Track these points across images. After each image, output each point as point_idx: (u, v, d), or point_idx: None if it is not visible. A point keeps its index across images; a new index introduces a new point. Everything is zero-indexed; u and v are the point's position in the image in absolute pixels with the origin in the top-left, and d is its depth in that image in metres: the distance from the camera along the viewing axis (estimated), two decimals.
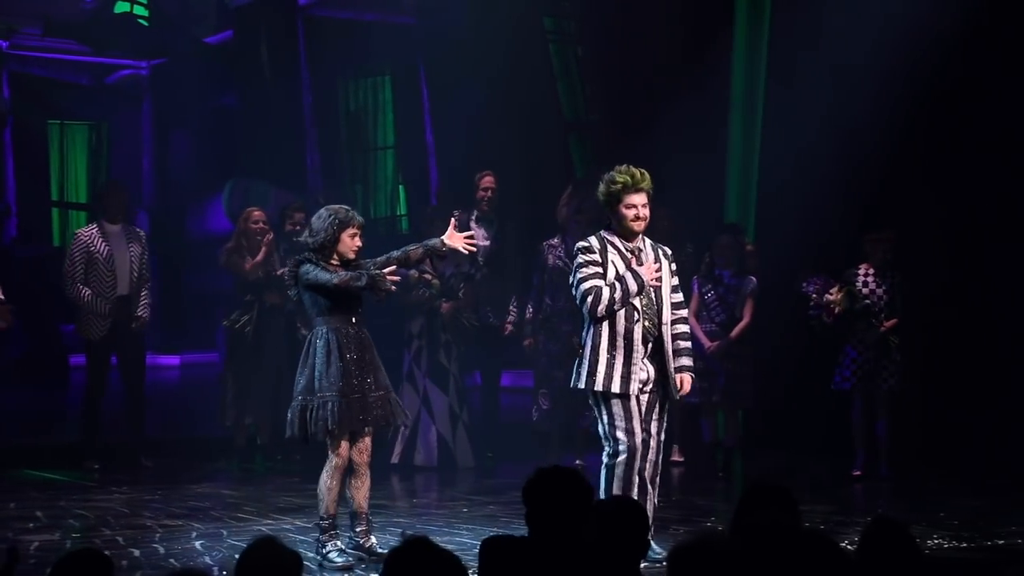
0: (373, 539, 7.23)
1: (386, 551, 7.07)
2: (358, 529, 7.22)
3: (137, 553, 7.32)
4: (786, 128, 10.99)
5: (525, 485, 4.46)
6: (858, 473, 9.91)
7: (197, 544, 7.59)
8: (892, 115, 10.35)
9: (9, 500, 8.89)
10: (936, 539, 7.59)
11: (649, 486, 7.15)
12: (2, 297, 9.73)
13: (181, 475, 10.02)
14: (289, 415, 7.17)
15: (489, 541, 4.34)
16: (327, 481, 7.15)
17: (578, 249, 7.27)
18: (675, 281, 7.33)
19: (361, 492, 7.23)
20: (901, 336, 9.95)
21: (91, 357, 10.32)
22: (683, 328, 7.31)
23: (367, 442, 7.23)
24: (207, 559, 7.23)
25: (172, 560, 7.19)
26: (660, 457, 7.25)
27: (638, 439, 7.08)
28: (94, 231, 10.27)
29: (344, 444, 7.12)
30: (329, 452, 7.15)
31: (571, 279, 7.24)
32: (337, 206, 7.35)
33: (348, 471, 7.19)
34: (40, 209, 17.81)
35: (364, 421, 7.14)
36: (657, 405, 7.20)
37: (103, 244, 10.16)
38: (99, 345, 10.19)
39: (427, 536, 3.98)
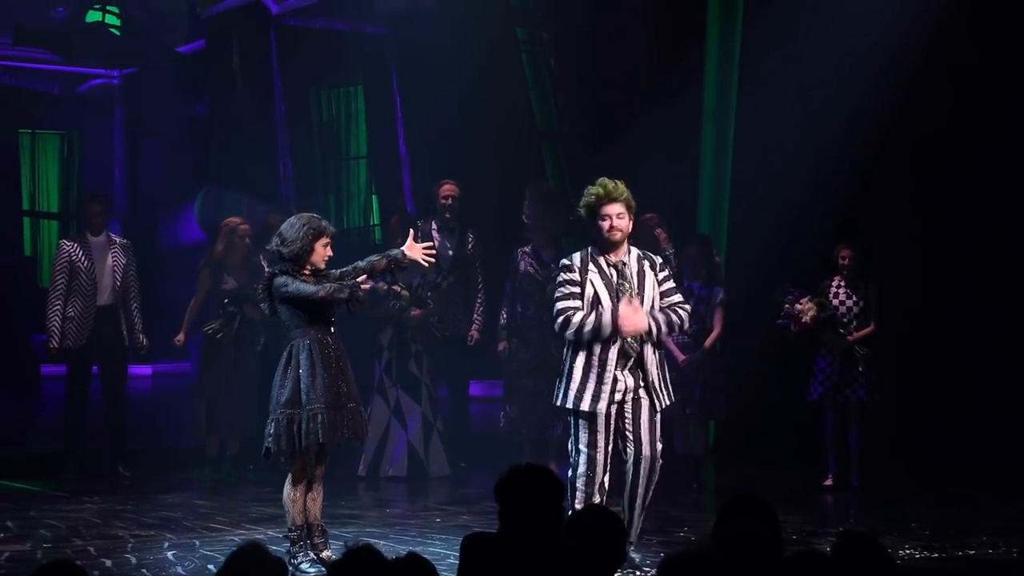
0: (330, 551, 7.24)
1: None
2: (316, 541, 7.22)
3: (109, 563, 7.29)
4: (759, 139, 11.03)
5: (497, 483, 4.47)
6: (829, 483, 9.95)
7: (169, 554, 7.57)
8: (865, 126, 10.41)
9: None
10: (908, 549, 7.63)
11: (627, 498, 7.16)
12: None
13: (153, 485, 9.99)
14: (271, 428, 7.10)
15: (470, 538, 4.37)
16: (290, 493, 7.16)
17: (560, 266, 7.29)
18: (669, 284, 7.33)
19: (316, 504, 7.24)
20: (874, 346, 10.00)
21: (72, 367, 10.31)
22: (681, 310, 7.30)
23: (328, 454, 7.23)
24: (179, 569, 7.21)
25: (144, 570, 7.17)
26: (657, 465, 7.24)
27: (599, 454, 7.11)
28: (76, 243, 10.31)
29: (307, 458, 7.11)
30: (291, 465, 7.15)
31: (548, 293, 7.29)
32: (308, 215, 7.33)
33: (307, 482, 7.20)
34: (11, 219, 17.75)
35: (343, 434, 7.13)
36: (644, 413, 7.20)
37: (84, 256, 10.18)
38: (80, 355, 10.18)
39: (370, 544, 4.01)
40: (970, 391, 10.26)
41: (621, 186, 7.36)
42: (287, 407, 7.06)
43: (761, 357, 10.85)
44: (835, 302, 9.98)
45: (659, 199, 11.06)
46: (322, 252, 7.18)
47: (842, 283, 10.03)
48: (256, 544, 4.03)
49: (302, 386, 7.04)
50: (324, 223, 7.26)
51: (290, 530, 7.18)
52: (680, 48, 11.63)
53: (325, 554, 7.19)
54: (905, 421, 10.39)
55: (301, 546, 7.14)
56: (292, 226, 7.21)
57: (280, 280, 7.11)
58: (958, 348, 10.34)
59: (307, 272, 7.16)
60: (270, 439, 7.09)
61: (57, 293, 10.17)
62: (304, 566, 7.06)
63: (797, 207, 10.66)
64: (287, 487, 7.17)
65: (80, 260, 10.19)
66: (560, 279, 7.20)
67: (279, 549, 7.42)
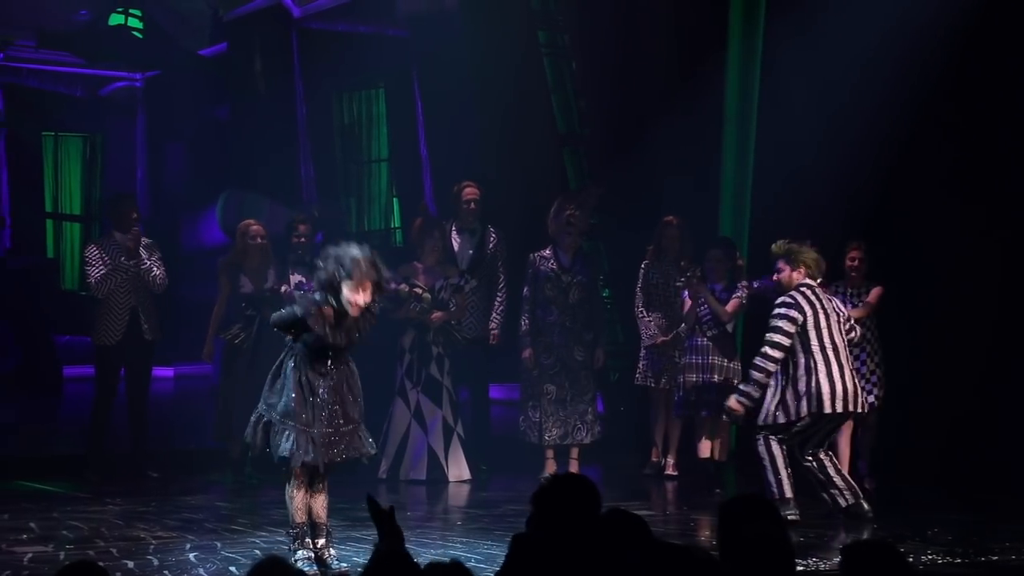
0: (332, 551, 7.26)
1: (345, 564, 7.12)
2: (318, 541, 7.24)
3: (131, 565, 7.31)
4: (780, 143, 11.02)
5: (537, 491, 4.49)
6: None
7: (191, 556, 7.59)
8: (886, 131, 10.39)
9: (2, 511, 8.89)
10: (929, 555, 7.60)
11: None
12: None
13: (175, 487, 10.02)
14: (252, 419, 7.19)
15: (519, 537, 4.39)
16: (290, 491, 7.21)
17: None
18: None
19: (318, 503, 7.26)
20: (888, 349, 9.97)
21: (102, 366, 10.34)
22: None
23: (326, 470, 7.25)
24: (201, 571, 7.22)
25: (166, 572, 7.18)
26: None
27: None
28: (104, 242, 10.34)
29: (303, 468, 7.15)
30: (291, 471, 7.19)
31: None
32: (366, 260, 7.01)
33: (309, 483, 7.22)
34: (34, 221, 17.82)
35: (323, 455, 7.10)
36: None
37: (116, 254, 10.22)
38: (112, 354, 10.22)
39: (282, 558, 4.05)
40: (992, 394, 10.22)
41: (779, 245, 8.78)
42: (268, 411, 7.12)
43: None
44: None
45: (681, 202, 11.08)
46: (350, 296, 6.95)
47: (848, 288, 9.99)
48: (277, 558, 4.04)
49: (283, 402, 7.06)
50: (359, 267, 6.96)
51: (291, 528, 7.24)
52: (702, 51, 11.63)
53: (326, 555, 7.20)
54: (925, 424, 10.35)
55: (300, 544, 7.17)
56: (334, 254, 7.04)
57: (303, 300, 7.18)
58: (981, 350, 10.30)
59: (332, 303, 7.02)
60: (252, 436, 7.16)
61: (99, 277, 10.17)
62: (302, 563, 7.07)
63: (819, 209, 10.63)
64: (288, 486, 7.23)
65: (113, 259, 10.22)
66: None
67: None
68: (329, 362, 7.11)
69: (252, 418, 7.24)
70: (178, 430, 12.37)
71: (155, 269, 10.29)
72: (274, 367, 7.25)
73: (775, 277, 8.87)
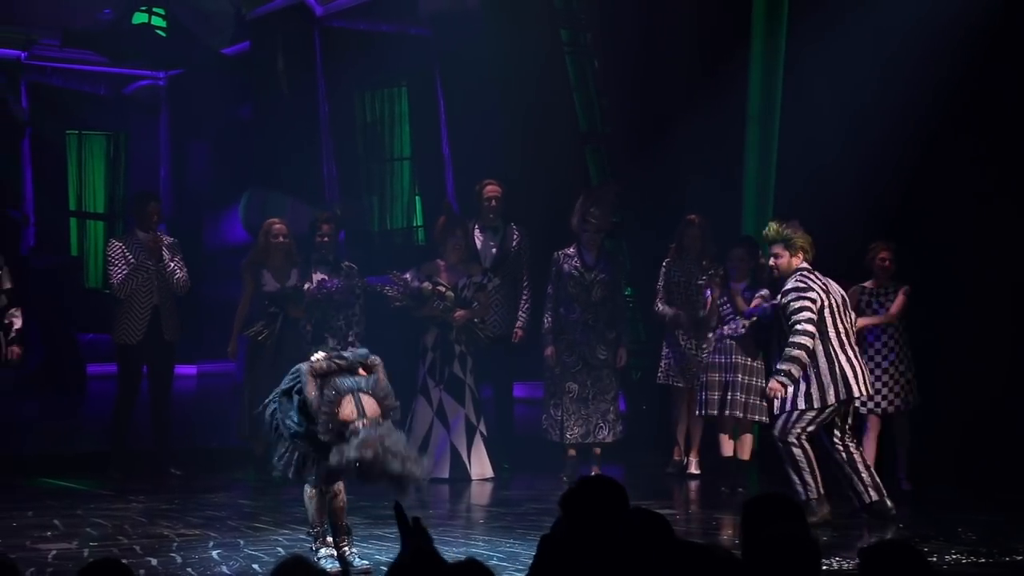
0: (354, 549, 7.28)
1: (366, 563, 7.13)
2: (339, 540, 7.25)
3: (155, 562, 7.34)
4: (803, 142, 10.98)
5: (565, 494, 4.49)
6: None
7: (214, 554, 7.61)
8: (909, 130, 10.34)
9: (27, 508, 8.93)
10: (954, 554, 7.58)
11: None
12: (19, 325, 9.78)
13: (198, 485, 10.04)
14: (268, 410, 7.21)
15: (547, 538, 4.39)
16: (308, 491, 7.24)
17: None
18: None
19: (336, 503, 7.28)
20: (916, 349, 9.93)
21: (124, 365, 10.37)
22: None
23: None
24: (224, 568, 7.24)
25: (190, 569, 7.21)
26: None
27: None
28: (127, 239, 10.37)
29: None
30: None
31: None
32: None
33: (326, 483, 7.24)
34: (58, 219, 17.87)
35: (326, 480, 7.12)
36: None
37: (137, 251, 10.24)
38: (133, 353, 10.24)
39: (305, 557, 4.05)
40: (1017, 393, 10.17)
41: (771, 229, 8.75)
42: (282, 416, 7.12)
43: None
44: (862, 305, 9.92)
45: (703, 201, 11.05)
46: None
47: (875, 287, 9.96)
48: (300, 557, 4.05)
49: (294, 421, 7.06)
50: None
51: (311, 528, 7.27)
52: (725, 51, 11.60)
53: (347, 555, 7.21)
54: (952, 425, 10.31)
55: (322, 543, 7.20)
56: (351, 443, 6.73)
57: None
58: (1005, 349, 10.26)
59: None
60: (266, 433, 7.26)
61: (120, 276, 10.19)
62: (324, 562, 7.09)
63: (842, 209, 10.60)
64: (305, 487, 7.25)
65: (135, 257, 10.25)
66: None
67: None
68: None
69: (266, 415, 7.21)
70: (201, 428, 12.41)
71: (178, 271, 10.31)
72: (286, 384, 7.21)
73: (772, 262, 8.85)
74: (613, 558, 4.26)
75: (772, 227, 8.81)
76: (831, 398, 8.49)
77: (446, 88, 14.93)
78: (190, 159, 18.49)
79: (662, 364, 10.75)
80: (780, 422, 8.61)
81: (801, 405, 8.52)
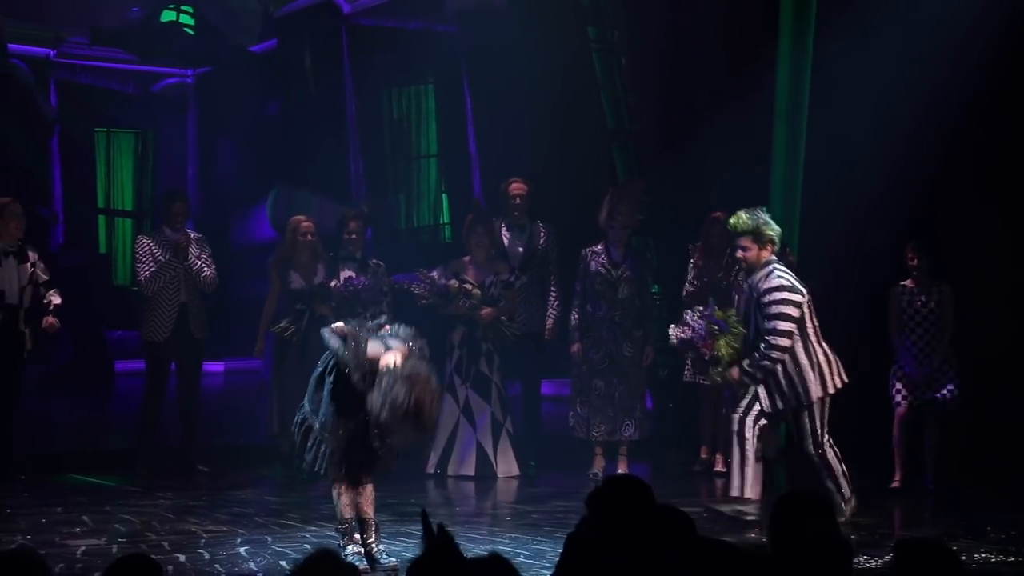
0: (381, 546, 7.28)
1: (393, 560, 7.14)
2: (367, 536, 7.27)
3: (183, 558, 7.36)
4: (830, 140, 10.95)
5: (591, 494, 4.49)
6: (896, 485, 9.85)
7: (242, 550, 7.63)
8: (939, 125, 10.31)
9: (56, 505, 8.97)
10: (983, 553, 7.55)
11: None
12: (58, 301, 9.86)
13: (226, 481, 10.07)
14: (297, 419, 7.28)
15: (574, 537, 4.39)
16: (336, 489, 7.27)
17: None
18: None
19: (364, 499, 7.30)
20: (953, 348, 9.89)
21: (152, 362, 10.41)
22: None
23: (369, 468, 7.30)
24: (252, 565, 7.27)
25: (217, 566, 7.23)
26: None
27: None
28: (155, 236, 10.42)
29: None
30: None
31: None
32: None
33: (354, 480, 7.27)
34: (86, 217, 17.97)
35: (360, 467, 7.15)
36: None
37: (165, 250, 10.28)
38: (161, 350, 10.28)
39: (334, 551, 4.06)
40: None
41: (740, 220, 8.34)
42: (311, 417, 7.18)
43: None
44: (904, 304, 9.88)
45: (730, 198, 11.01)
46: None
47: (913, 286, 9.93)
48: (328, 551, 4.06)
49: (322, 411, 7.11)
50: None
51: (339, 524, 7.29)
52: (752, 47, 11.57)
53: (373, 551, 7.22)
54: (981, 423, 10.27)
55: (349, 539, 7.21)
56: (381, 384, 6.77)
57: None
58: None
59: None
60: (294, 427, 7.28)
61: (148, 274, 10.23)
62: (352, 559, 7.10)
63: (870, 207, 10.57)
64: (333, 483, 7.28)
65: (163, 255, 10.29)
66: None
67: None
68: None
69: (297, 418, 7.29)
70: (228, 425, 12.45)
71: (205, 269, 10.33)
72: (316, 372, 7.26)
73: (740, 255, 8.44)
74: (639, 557, 4.26)
75: (741, 217, 8.38)
76: (815, 394, 8.33)
77: (473, 85, 14.95)
78: (218, 156, 18.56)
79: (688, 362, 10.72)
80: (810, 439, 8.44)
81: (771, 401, 8.35)
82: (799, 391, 8.35)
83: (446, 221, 15.85)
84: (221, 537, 7.98)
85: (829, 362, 8.40)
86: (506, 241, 10.83)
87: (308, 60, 16.28)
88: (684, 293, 10.68)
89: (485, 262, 10.44)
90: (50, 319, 9.79)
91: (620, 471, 9.94)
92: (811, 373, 8.33)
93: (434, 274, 10.33)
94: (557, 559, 4.47)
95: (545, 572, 6.85)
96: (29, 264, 9.82)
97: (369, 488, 7.32)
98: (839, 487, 8.44)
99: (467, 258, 10.49)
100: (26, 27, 16.67)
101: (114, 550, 7.55)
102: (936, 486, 9.76)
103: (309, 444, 7.20)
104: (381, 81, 16.24)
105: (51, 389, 13.83)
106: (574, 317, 10.45)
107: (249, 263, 15.36)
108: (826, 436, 8.48)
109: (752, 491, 8.34)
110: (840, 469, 8.45)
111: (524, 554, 7.52)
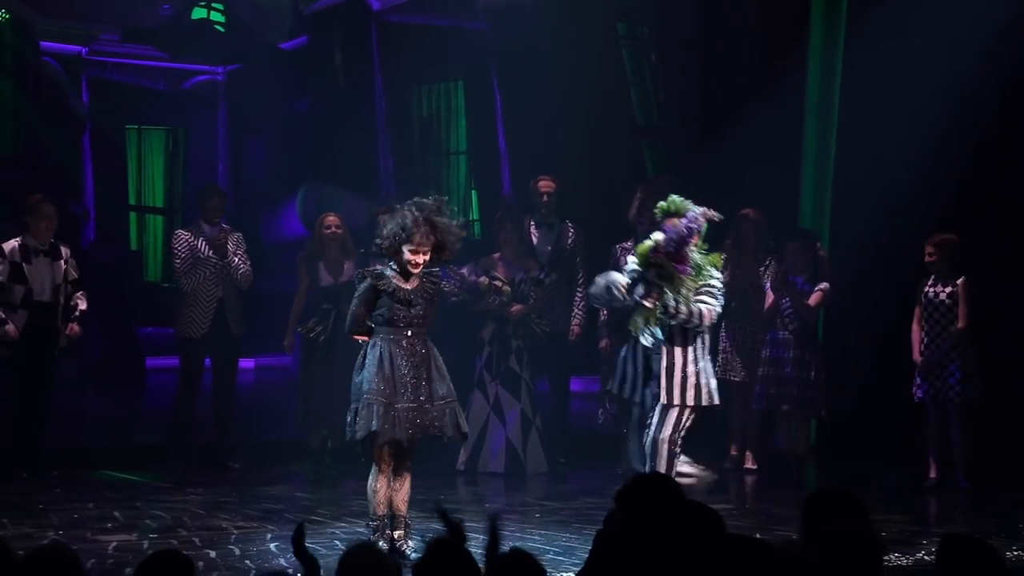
0: (410, 543, 7.29)
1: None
2: (396, 533, 7.28)
3: (213, 554, 7.39)
4: (861, 134, 10.91)
5: (620, 491, 4.49)
6: (931, 482, 9.81)
7: (272, 546, 7.65)
8: (970, 119, 10.26)
9: (88, 500, 9.01)
10: (1015, 551, 7.51)
11: None
12: (84, 307, 9.89)
13: (256, 477, 10.10)
14: (348, 418, 7.29)
15: (603, 534, 4.39)
16: (372, 484, 7.29)
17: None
18: None
19: (399, 495, 7.31)
20: (977, 342, 9.84)
21: (187, 358, 10.44)
22: None
23: (412, 448, 7.32)
24: (282, 561, 7.28)
25: (247, 561, 7.25)
26: None
27: None
28: (193, 231, 10.43)
29: (390, 450, 7.19)
30: (375, 456, 7.26)
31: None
32: (414, 215, 7.25)
33: (391, 474, 7.29)
34: (117, 213, 18.04)
35: (407, 430, 7.16)
36: None
37: (204, 246, 10.30)
38: (197, 346, 10.31)
39: (374, 544, 4.05)
40: None
41: (673, 202, 7.94)
42: (353, 399, 7.24)
43: (864, 353, 10.73)
44: (926, 300, 9.84)
45: (761, 194, 10.99)
46: (409, 257, 7.18)
47: (934, 279, 9.88)
48: (369, 544, 4.07)
49: (363, 378, 7.15)
50: (419, 228, 7.19)
51: (371, 519, 7.31)
52: (783, 44, 11.54)
53: (403, 547, 7.23)
54: (1013, 419, 10.21)
55: (380, 536, 7.23)
56: (388, 223, 7.28)
57: (358, 278, 7.28)
58: None
59: (396, 269, 7.25)
60: (348, 428, 7.28)
61: (187, 271, 10.26)
62: None
63: (901, 201, 10.53)
64: (370, 478, 7.31)
65: (200, 250, 10.32)
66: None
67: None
68: (409, 331, 7.15)
69: (347, 417, 7.28)
70: (258, 421, 12.47)
71: (242, 266, 10.36)
72: (357, 361, 7.32)
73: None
74: (668, 554, 4.26)
75: (674, 200, 7.95)
76: (716, 398, 8.03)
77: (502, 82, 14.95)
78: (248, 154, 18.61)
79: (719, 358, 10.70)
80: (671, 423, 7.95)
81: (690, 401, 7.94)
82: (695, 390, 7.92)
83: (475, 218, 15.85)
84: (251, 533, 8.01)
85: (709, 379, 7.98)
86: (535, 239, 10.83)
87: (338, 57, 16.31)
88: None
89: (515, 259, 10.44)
90: (74, 326, 9.82)
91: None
92: (704, 378, 7.94)
93: (464, 271, 10.34)
94: (586, 556, 4.47)
95: (574, 569, 6.85)
96: (62, 261, 9.86)
97: (406, 484, 7.32)
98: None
99: (497, 255, 10.49)
100: (58, 25, 16.75)
101: (145, 546, 7.59)
102: (968, 483, 9.71)
103: (354, 422, 7.19)
104: (411, 78, 16.26)
105: (82, 385, 13.89)
106: (603, 313, 10.43)
107: (279, 260, 15.38)
108: (679, 439, 8.00)
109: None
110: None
111: (553, 551, 7.52)
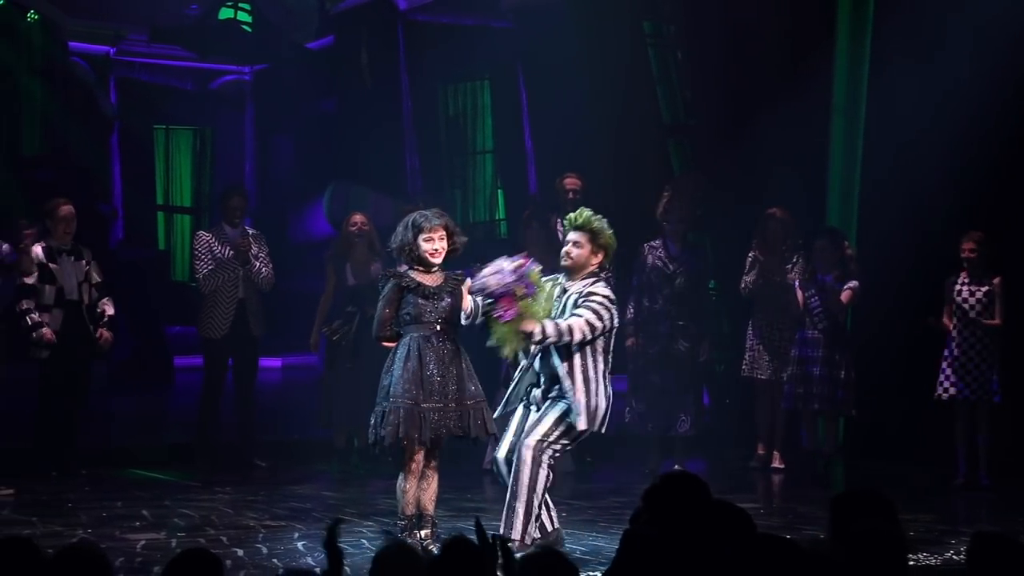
0: (437, 542, 7.29)
1: None
2: (423, 532, 7.29)
3: (241, 553, 7.41)
4: (889, 132, 10.87)
5: (648, 489, 4.49)
6: (959, 482, 9.77)
7: (299, 545, 7.67)
8: (997, 117, 10.21)
9: (116, 499, 9.05)
10: None
11: None
12: (111, 312, 9.93)
13: (283, 476, 10.12)
14: (372, 420, 7.30)
15: (630, 533, 4.39)
16: (402, 483, 7.29)
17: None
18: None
19: (426, 494, 7.31)
20: (1005, 342, 9.80)
21: (209, 358, 10.48)
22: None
23: (439, 448, 7.33)
24: (309, 560, 7.30)
25: (275, 560, 7.27)
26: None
27: None
28: (214, 233, 10.47)
29: (420, 450, 7.21)
30: (404, 456, 7.27)
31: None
32: (417, 211, 7.43)
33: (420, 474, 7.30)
34: (145, 213, 18.11)
35: (433, 430, 7.17)
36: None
37: (224, 247, 10.33)
38: (218, 346, 10.35)
39: (406, 543, 4.06)
40: None
41: (583, 214, 7.36)
42: (380, 400, 7.23)
43: (892, 352, 10.70)
44: (959, 299, 9.80)
45: (788, 193, 10.98)
46: (426, 247, 7.21)
47: (966, 278, 9.84)
48: (403, 543, 4.09)
49: (391, 380, 7.17)
50: (425, 218, 7.29)
51: (399, 519, 7.31)
52: (810, 42, 11.51)
53: (430, 546, 7.24)
54: None
55: (407, 536, 7.23)
56: (398, 227, 7.33)
57: (382, 280, 7.33)
58: None
59: (419, 268, 7.25)
60: (371, 429, 7.28)
61: (206, 271, 10.29)
62: None
63: (928, 200, 10.49)
64: (400, 478, 7.31)
65: (220, 251, 10.34)
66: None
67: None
68: (437, 326, 7.17)
69: (372, 419, 7.29)
70: (285, 420, 12.50)
71: (264, 269, 10.37)
72: (385, 363, 7.33)
73: (568, 248, 7.36)
74: (697, 553, 4.25)
75: (584, 212, 7.40)
76: (601, 425, 7.20)
77: (528, 81, 14.95)
78: (275, 153, 18.67)
79: (746, 356, 10.69)
80: (537, 435, 7.13)
81: (582, 425, 7.10)
82: (597, 418, 7.17)
83: (502, 217, 15.87)
84: (279, 532, 8.03)
85: (608, 401, 7.24)
86: (561, 237, 10.80)
87: (364, 56, 16.35)
88: (742, 287, 10.64)
89: (541, 257, 10.41)
90: (105, 333, 9.85)
91: (676, 468, 9.92)
92: (604, 404, 7.19)
93: None
94: (613, 555, 4.47)
95: (601, 568, 6.85)
96: (84, 262, 9.90)
97: (434, 483, 7.33)
98: (528, 510, 7.10)
99: (523, 254, 10.47)
100: (86, 25, 16.84)
101: (173, 544, 7.61)
102: (990, 481, 9.66)
103: (381, 426, 7.20)
104: (437, 77, 16.28)
105: (110, 384, 13.94)
106: (630, 311, 10.43)
107: (306, 259, 15.43)
108: (554, 450, 7.19)
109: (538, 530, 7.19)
110: (539, 491, 7.12)
111: (580, 550, 7.52)
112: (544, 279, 7.32)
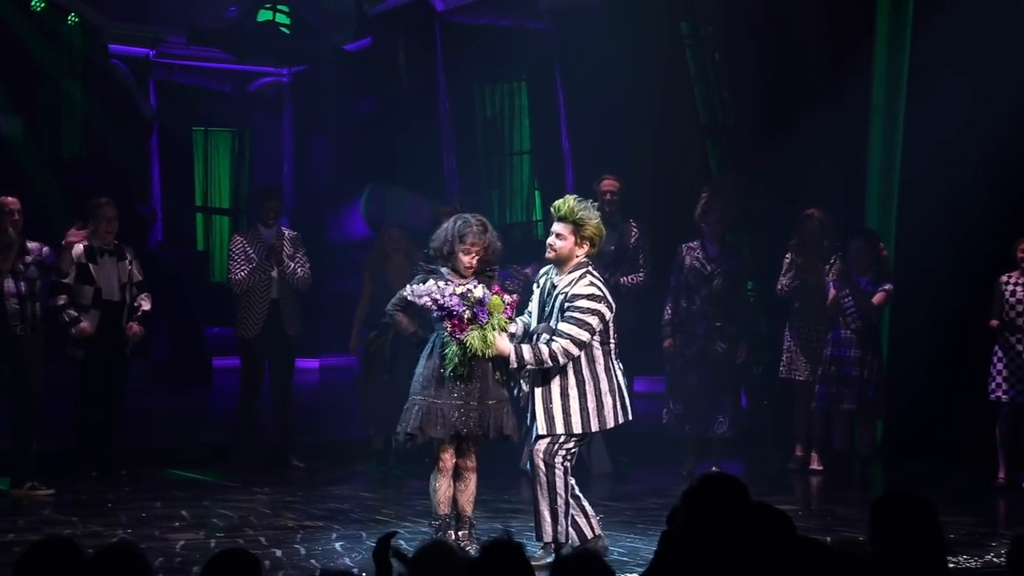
0: (474, 544, 7.28)
1: None
2: (460, 533, 7.29)
3: (279, 553, 7.44)
4: (928, 133, 10.81)
5: (687, 491, 4.48)
6: (1000, 483, 9.71)
7: (337, 545, 7.70)
8: None
9: (155, 499, 9.10)
10: None
11: None
12: (147, 307, 9.98)
13: (321, 477, 10.15)
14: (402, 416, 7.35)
15: (669, 535, 4.38)
16: (433, 483, 7.31)
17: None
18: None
19: (464, 495, 7.31)
20: None
21: (246, 358, 10.52)
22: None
23: (472, 447, 7.33)
24: (347, 560, 7.32)
25: (313, 561, 7.29)
26: None
27: None
28: (249, 234, 10.51)
29: (448, 448, 7.21)
30: (434, 454, 7.29)
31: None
32: (464, 218, 7.33)
33: (456, 474, 7.31)
34: (184, 214, 18.22)
35: (455, 427, 7.18)
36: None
37: (259, 247, 10.37)
38: (254, 346, 10.38)
39: (446, 542, 4.07)
40: None
41: (567, 204, 7.13)
42: (408, 398, 7.30)
43: (931, 352, 10.64)
44: (1012, 299, 9.73)
45: (826, 194, 10.94)
46: (464, 259, 7.22)
47: (1020, 279, 9.78)
48: (442, 541, 4.10)
49: (416, 377, 7.24)
50: (471, 230, 7.22)
51: (433, 519, 7.33)
52: (849, 42, 11.46)
53: (467, 547, 7.23)
54: None
55: (443, 536, 7.22)
56: (443, 227, 7.31)
57: (418, 270, 7.39)
58: None
59: (451, 270, 7.27)
60: (398, 427, 7.33)
61: (239, 272, 10.34)
62: None
63: (968, 201, 10.42)
64: (431, 477, 7.32)
65: (255, 252, 10.37)
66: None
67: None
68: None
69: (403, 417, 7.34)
70: (323, 421, 12.55)
71: (299, 270, 10.39)
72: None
73: (552, 240, 7.15)
74: (735, 555, 4.24)
75: (568, 202, 7.12)
76: (613, 419, 7.20)
77: (566, 82, 14.94)
78: (312, 154, 18.73)
79: (784, 358, 10.66)
80: (544, 442, 7.15)
81: (577, 429, 7.13)
82: (601, 415, 7.17)
83: (539, 218, 15.86)
84: (317, 532, 8.05)
85: (622, 390, 7.23)
86: None
87: (402, 58, 16.38)
88: (779, 288, 10.60)
89: None
90: (135, 327, 9.88)
91: (714, 470, 9.89)
92: (609, 397, 7.15)
93: (528, 271, 10.33)
94: (651, 557, 4.47)
95: (639, 569, 6.84)
96: (127, 261, 9.96)
97: (471, 484, 7.33)
98: (554, 517, 7.13)
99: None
100: (126, 28, 16.95)
101: (212, 544, 7.65)
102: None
103: (404, 421, 7.22)
104: (474, 78, 16.30)
105: (149, 385, 14.02)
106: (667, 312, 10.41)
107: (343, 260, 15.49)
108: (565, 450, 7.22)
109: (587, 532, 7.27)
110: (561, 491, 7.17)
111: (618, 551, 7.51)
112: (539, 273, 7.36)
